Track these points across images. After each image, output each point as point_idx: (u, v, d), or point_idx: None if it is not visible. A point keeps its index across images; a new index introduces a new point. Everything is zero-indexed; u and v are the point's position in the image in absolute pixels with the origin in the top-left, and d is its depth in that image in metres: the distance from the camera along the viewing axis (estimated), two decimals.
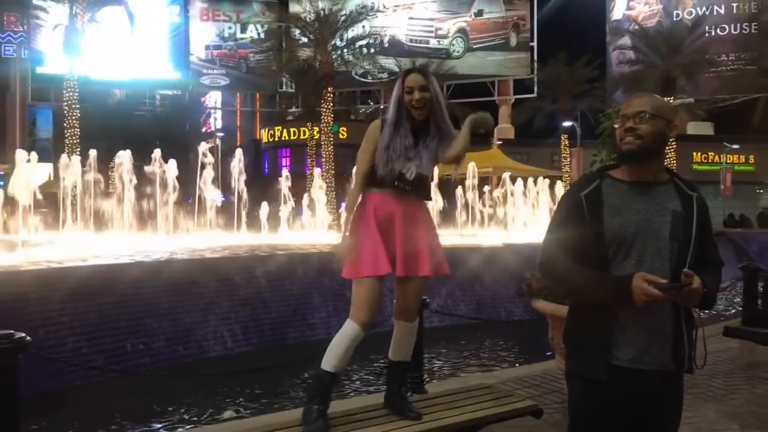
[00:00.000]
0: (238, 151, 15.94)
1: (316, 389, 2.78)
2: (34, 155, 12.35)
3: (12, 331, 2.89)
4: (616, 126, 1.99)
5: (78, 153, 20.88)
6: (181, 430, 5.06)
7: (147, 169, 13.91)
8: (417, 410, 2.95)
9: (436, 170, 3.43)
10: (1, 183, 24.16)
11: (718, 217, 27.21)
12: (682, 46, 25.62)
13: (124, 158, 13.84)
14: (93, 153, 15.32)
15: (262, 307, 8.24)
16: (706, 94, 29.67)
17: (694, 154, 34.18)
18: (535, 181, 18.33)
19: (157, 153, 13.94)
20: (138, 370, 6.31)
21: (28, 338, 2.91)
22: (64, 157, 15.86)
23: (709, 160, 34.52)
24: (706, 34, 28.54)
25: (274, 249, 10.17)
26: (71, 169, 14.14)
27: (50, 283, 6.46)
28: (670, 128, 1.97)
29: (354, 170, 2.99)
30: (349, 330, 2.77)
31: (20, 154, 11.31)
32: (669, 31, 27.22)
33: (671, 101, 25.94)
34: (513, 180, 18.62)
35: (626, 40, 28.94)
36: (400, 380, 3.08)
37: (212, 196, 14.47)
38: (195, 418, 5.41)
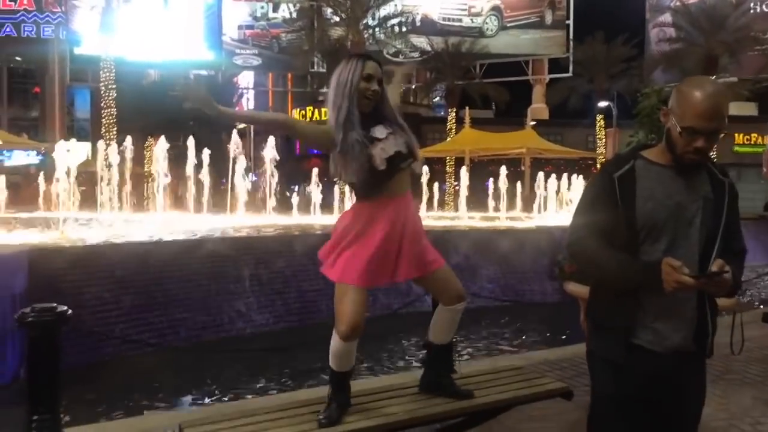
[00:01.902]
0: (270, 140, 15.99)
1: (331, 383, 2.72)
2: (73, 142, 12.60)
3: (54, 305, 3.01)
4: (675, 128, 1.81)
5: (114, 133, 21.34)
6: (210, 403, 5.19)
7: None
8: (465, 389, 2.91)
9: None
10: (44, 160, 24.86)
11: (760, 201, 26.40)
12: (725, 23, 24.71)
13: (158, 151, 14.06)
14: (129, 140, 15.53)
15: (296, 286, 8.34)
16: (751, 73, 28.58)
17: (736, 135, 33.09)
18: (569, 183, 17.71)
19: (191, 142, 14.15)
20: (173, 345, 6.48)
21: (70, 311, 3.02)
22: (101, 143, 16.14)
23: (752, 142, 33.37)
24: (751, 11, 27.46)
25: (306, 229, 10.27)
26: (110, 158, 14.38)
27: (90, 259, 6.65)
28: None
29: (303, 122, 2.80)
30: (333, 343, 2.63)
31: (60, 144, 11.52)
32: (712, 8, 26.22)
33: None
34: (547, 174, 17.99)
35: (667, 17, 28.06)
36: (446, 361, 3.01)
37: (244, 178, 14.66)
38: (226, 393, 5.54)
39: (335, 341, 2.64)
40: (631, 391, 1.91)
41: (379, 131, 2.58)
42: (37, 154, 27.57)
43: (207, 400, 5.36)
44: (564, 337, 7.21)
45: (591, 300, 2.04)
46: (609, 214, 1.87)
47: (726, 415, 3.81)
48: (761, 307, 8.77)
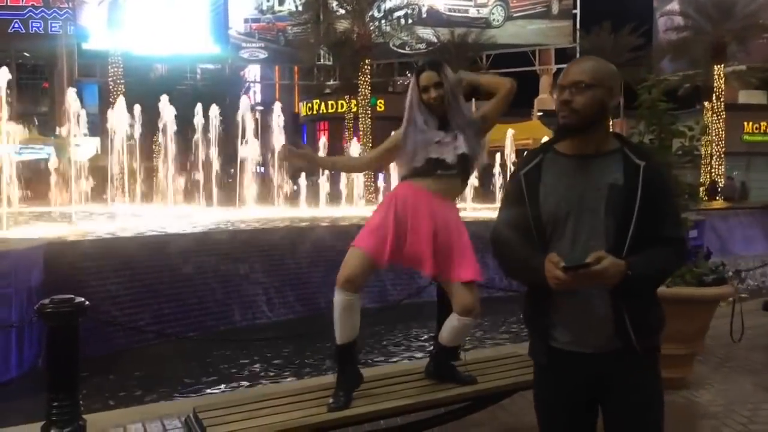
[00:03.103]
0: (276, 106, 16.08)
1: (337, 363, 2.85)
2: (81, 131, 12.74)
3: (72, 296, 3.12)
4: (554, 96, 1.83)
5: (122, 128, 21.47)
6: (219, 391, 5.31)
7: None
8: (469, 375, 3.03)
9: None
10: (49, 156, 25.08)
11: None
12: (734, 11, 24.52)
13: (166, 112, 14.13)
14: (137, 108, 15.52)
15: (302, 277, 8.46)
16: (759, 60, 28.35)
17: (746, 124, 32.84)
18: None
19: (198, 107, 14.29)
20: (187, 335, 6.60)
21: (87, 302, 3.14)
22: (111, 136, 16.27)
23: (762, 130, 33.08)
24: None
25: (313, 222, 10.39)
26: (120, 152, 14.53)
27: (104, 252, 6.79)
28: (613, 96, 1.80)
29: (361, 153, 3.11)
30: (334, 297, 2.77)
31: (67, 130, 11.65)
32: None
33: (721, 68, 24.93)
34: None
35: (674, 6, 27.87)
36: (451, 357, 3.12)
37: (253, 168, 14.80)
38: (239, 380, 5.67)
39: (335, 294, 2.77)
40: (563, 394, 1.85)
41: (436, 135, 2.82)
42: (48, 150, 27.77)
43: (221, 388, 5.49)
44: None
45: (523, 305, 1.97)
46: (519, 212, 1.84)
47: (725, 401, 3.88)
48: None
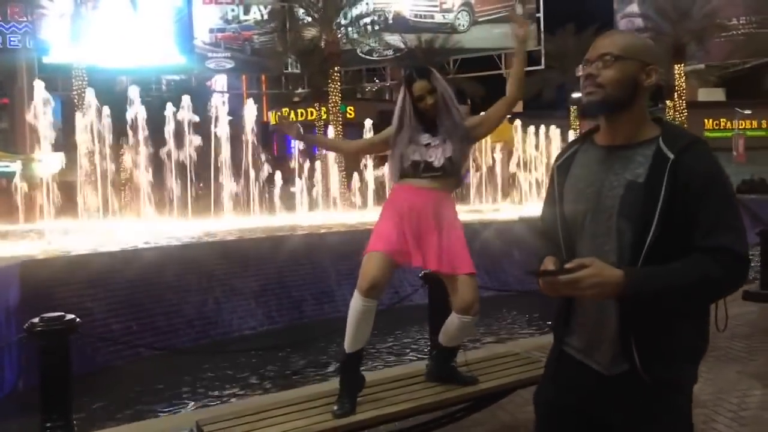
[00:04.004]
0: (250, 102, 15.99)
1: (339, 371, 2.87)
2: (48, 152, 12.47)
3: (62, 314, 3.05)
4: (580, 74, 1.63)
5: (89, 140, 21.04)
6: (210, 403, 5.23)
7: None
8: (470, 376, 3.07)
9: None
10: (13, 172, 24.37)
11: (733, 185, 27.09)
12: (692, 11, 25.27)
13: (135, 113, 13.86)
14: (107, 145, 15.36)
15: (283, 287, 8.39)
16: (718, 59, 29.30)
17: (706, 121, 33.81)
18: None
19: (169, 108, 14.13)
20: (171, 348, 6.49)
21: (78, 320, 3.07)
22: (79, 151, 15.92)
23: (721, 127, 34.12)
24: None
25: (291, 230, 10.34)
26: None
27: (81, 268, 6.63)
28: (648, 73, 1.54)
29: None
30: (353, 302, 2.79)
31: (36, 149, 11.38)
32: None
33: (681, 68, 25.68)
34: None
35: (634, 8, 28.61)
36: (451, 358, 3.14)
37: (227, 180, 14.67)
38: (231, 393, 5.60)
39: (355, 299, 2.78)
40: (563, 405, 1.64)
41: (424, 138, 2.89)
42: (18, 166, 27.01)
43: (208, 401, 5.40)
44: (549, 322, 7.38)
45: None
46: (550, 207, 1.68)
47: (713, 390, 3.97)
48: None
